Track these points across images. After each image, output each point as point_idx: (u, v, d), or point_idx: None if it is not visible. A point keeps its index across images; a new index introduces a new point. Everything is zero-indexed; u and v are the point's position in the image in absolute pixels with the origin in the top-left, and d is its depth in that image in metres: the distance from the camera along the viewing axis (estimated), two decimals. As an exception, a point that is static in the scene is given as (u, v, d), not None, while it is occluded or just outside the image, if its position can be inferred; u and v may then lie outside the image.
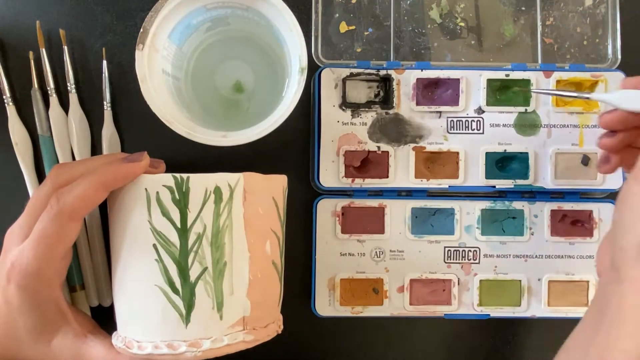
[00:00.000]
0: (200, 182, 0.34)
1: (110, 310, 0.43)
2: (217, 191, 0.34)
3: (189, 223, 0.34)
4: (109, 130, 0.44)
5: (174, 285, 0.34)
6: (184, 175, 0.34)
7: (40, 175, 0.43)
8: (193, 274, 0.34)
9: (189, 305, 0.34)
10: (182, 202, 0.34)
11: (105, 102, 0.43)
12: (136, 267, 0.34)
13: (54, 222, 0.33)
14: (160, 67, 0.38)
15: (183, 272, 0.34)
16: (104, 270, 0.43)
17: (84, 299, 0.44)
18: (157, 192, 0.34)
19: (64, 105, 0.43)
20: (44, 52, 0.43)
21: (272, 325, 0.37)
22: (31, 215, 0.35)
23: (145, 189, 0.34)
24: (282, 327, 0.39)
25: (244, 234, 0.35)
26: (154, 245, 0.33)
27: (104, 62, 0.43)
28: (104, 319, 0.40)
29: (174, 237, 0.34)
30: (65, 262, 0.36)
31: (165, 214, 0.33)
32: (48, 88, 0.43)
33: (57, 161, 0.43)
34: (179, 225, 0.34)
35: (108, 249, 0.41)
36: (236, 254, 0.35)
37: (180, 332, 0.34)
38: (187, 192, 0.34)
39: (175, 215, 0.34)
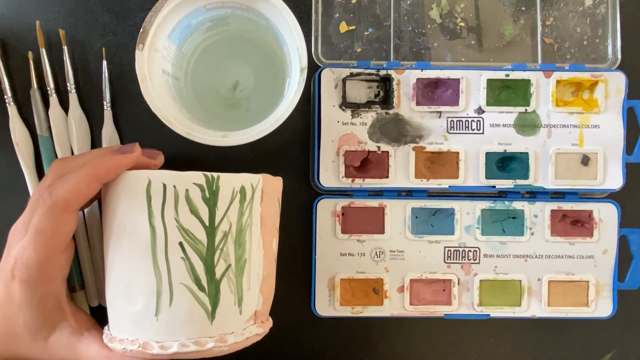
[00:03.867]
0: (229, 182, 0.34)
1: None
2: (243, 191, 0.35)
3: (216, 221, 0.34)
4: (109, 130, 0.44)
5: (201, 282, 0.34)
6: (214, 174, 0.34)
7: (41, 176, 0.43)
8: (218, 271, 0.34)
9: (215, 302, 0.34)
10: (211, 201, 0.34)
11: (105, 102, 0.43)
12: (157, 266, 0.34)
13: (47, 216, 0.34)
14: (160, 67, 0.38)
15: (209, 269, 0.34)
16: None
17: (84, 299, 0.44)
18: (187, 190, 0.33)
19: (64, 105, 0.43)
20: (43, 52, 0.43)
21: (269, 319, 0.39)
22: (32, 210, 0.35)
23: (174, 187, 0.33)
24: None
25: (259, 232, 0.36)
26: (180, 244, 0.33)
27: (104, 62, 0.43)
28: (105, 319, 0.40)
29: (201, 235, 0.34)
30: (67, 256, 0.36)
31: (194, 211, 0.34)
32: (48, 88, 0.43)
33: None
34: (207, 223, 0.34)
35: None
36: (254, 251, 0.36)
37: (206, 329, 0.34)
38: (217, 191, 0.34)
39: (204, 213, 0.34)
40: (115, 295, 0.35)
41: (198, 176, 0.34)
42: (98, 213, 0.43)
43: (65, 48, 0.43)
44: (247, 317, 0.36)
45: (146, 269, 0.34)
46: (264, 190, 0.36)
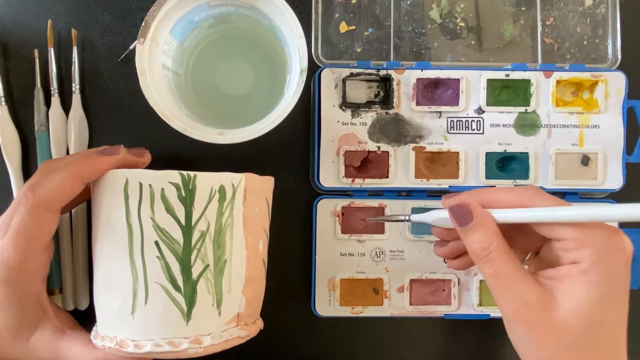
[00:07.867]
0: (206, 181, 0.34)
1: (85, 313, 0.43)
2: (222, 190, 0.34)
3: (193, 221, 0.34)
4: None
5: (176, 282, 0.33)
6: (191, 173, 0.34)
7: (28, 178, 0.43)
8: (195, 271, 0.34)
9: (191, 302, 0.34)
10: (187, 200, 0.33)
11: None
12: (133, 265, 0.34)
13: (30, 215, 0.33)
14: (160, 62, 0.38)
15: (186, 269, 0.33)
16: (84, 273, 0.43)
17: (60, 303, 0.43)
18: (162, 189, 0.33)
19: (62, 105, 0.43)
20: (52, 52, 0.42)
21: (258, 321, 0.38)
22: (14, 209, 0.35)
23: (150, 185, 0.33)
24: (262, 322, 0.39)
25: (242, 233, 0.35)
26: (156, 242, 0.33)
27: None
28: (82, 322, 0.40)
29: (177, 235, 0.33)
30: (47, 255, 0.36)
31: (169, 210, 0.33)
32: (51, 88, 0.43)
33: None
34: (183, 222, 0.33)
35: (90, 251, 0.40)
36: (235, 252, 0.35)
37: (181, 329, 0.34)
38: (193, 190, 0.34)
39: (180, 212, 0.33)
40: (99, 292, 0.35)
41: (174, 175, 0.33)
42: (83, 216, 0.43)
43: (75, 48, 0.43)
44: (228, 319, 0.35)
45: (124, 267, 0.34)
46: (247, 190, 0.35)
